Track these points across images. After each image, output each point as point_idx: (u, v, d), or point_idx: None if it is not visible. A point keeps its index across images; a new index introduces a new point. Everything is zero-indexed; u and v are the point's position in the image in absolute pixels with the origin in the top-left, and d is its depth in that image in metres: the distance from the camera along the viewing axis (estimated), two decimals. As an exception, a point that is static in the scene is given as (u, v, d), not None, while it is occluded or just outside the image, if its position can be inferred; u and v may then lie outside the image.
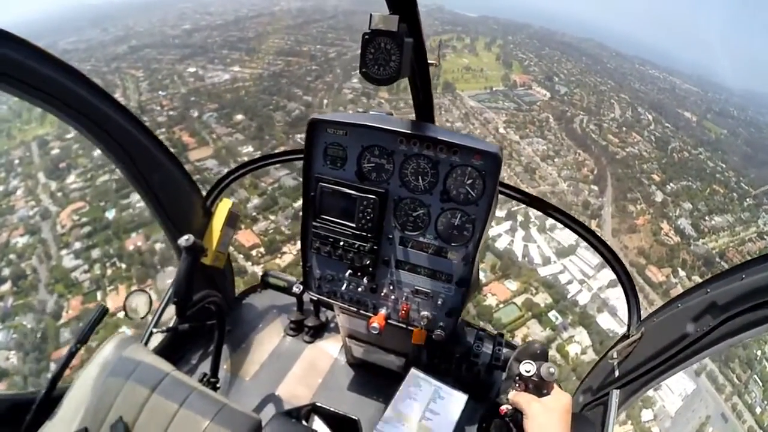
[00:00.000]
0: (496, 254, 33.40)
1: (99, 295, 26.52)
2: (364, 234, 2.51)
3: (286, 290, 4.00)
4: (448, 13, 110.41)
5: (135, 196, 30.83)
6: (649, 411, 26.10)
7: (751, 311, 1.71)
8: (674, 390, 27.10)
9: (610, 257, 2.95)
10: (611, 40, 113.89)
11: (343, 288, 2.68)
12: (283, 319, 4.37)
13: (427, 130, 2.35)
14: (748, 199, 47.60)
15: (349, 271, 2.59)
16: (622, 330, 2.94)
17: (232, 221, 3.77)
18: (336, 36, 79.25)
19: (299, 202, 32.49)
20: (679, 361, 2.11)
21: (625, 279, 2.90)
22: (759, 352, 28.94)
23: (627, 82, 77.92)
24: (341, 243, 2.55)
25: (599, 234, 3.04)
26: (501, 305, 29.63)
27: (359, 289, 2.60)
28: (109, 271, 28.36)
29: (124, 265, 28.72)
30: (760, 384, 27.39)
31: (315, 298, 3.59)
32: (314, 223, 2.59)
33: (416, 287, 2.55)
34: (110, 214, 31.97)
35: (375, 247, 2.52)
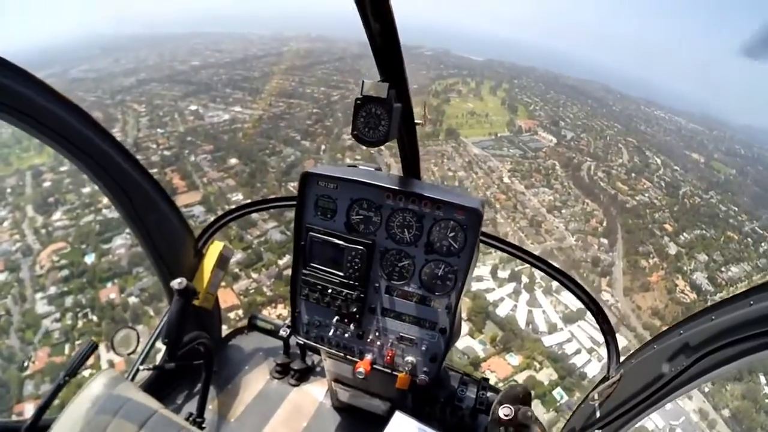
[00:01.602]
0: (497, 323, 31.46)
1: (67, 348, 25.53)
2: (352, 282, 2.64)
3: (273, 333, 4.04)
4: (454, 56, 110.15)
5: (116, 241, 31.18)
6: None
7: (721, 350, 1.78)
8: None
9: (586, 300, 3.15)
10: (615, 81, 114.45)
11: (331, 333, 2.74)
12: (270, 361, 4.38)
13: (412, 186, 2.55)
14: (763, 244, 46.53)
15: (337, 317, 2.69)
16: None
17: (223, 263, 3.87)
18: (341, 78, 78.64)
19: (285, 259, 32.47)
20: (656, 400, 2.15)
21: (602, 321, 3.07)
22: None
23: (633, 124, 77.31)
24: (329, 290, 2.67)
25: (574, 278, 3.23)
26: (500, 384, 27.53)
27: (346, 335, 2.73)
28: (80, 323, 27.29)
29: (95, 318, 27.68)
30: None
31: (302, 342, 3.47)
32: (304, 271, 2.71)
33: (401, 334, 2.66)
34: (89, 259, 31.08)
35: (362, 295, 2.65)
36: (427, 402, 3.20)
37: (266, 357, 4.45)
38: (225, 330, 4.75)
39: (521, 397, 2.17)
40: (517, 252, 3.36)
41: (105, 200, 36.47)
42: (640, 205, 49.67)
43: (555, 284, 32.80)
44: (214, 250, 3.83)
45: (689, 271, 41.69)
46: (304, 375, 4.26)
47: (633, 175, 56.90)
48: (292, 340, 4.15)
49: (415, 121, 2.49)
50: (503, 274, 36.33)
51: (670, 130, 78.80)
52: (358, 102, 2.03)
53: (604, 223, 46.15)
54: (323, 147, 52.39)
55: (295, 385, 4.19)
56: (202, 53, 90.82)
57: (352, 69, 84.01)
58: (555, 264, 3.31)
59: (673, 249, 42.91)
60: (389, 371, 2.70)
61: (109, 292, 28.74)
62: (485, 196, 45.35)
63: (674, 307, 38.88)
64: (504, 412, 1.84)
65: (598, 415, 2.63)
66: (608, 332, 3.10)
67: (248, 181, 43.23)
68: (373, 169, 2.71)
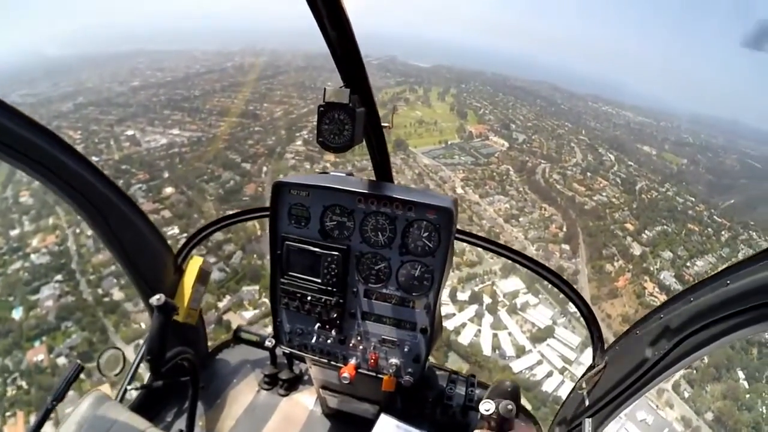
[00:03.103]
0: (462, 355, 29.26)
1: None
2: (330, 288, 2.67)
3: (259, 344, 4.17)
4: (401, 64, 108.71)
5: (44, 292, 28.92)
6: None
7: (701, 331, 1.84)
8: None
9: (567, 290, 3.17)
10: (562, 80, 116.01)
11: (313, 341, 2.77)
12: (257, 373, 4.37)
13: (384, 189, 2.57)
14: (723, 232, 46.91)
15: (318, 324, 2.73)
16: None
17: (203, 278, 3.90)
18: (284, 93, 75.56)
19: (224, 301, 30.44)
20: (642, 385, 2.19)
21: (585, 311, 3.09)
22: None
23: (583, 121, 77.99)
24: (309, 298, 2.69)
25: (551, 267, 3.24)
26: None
27: (329, 341, 2.75)
28: (9, 391, 24.62)
29: (24, 384, 24.95)
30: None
31: (287, 352, 3.57)
32: (282, 280, 2.74)
33: (383, 336, 2.69)
34: (17, 313, 28.42)
35: (341, 301, 2.68)
36: (416, 402, 3.20)
37: (254, 369, 4.39)
38: (211, 345, 4.63)
39: (509, 392, 2.29)
40: (492, 246, 3.36)
41: (34, 242, 32.52)
42: (599, 205, 49.26)
43: (520, 301, 30.97)
44: (193, 266, 3.79)
45: (656, 271, 41.29)
46: (292, 384, 4.22)
47: (588, 174, 56.85)
48: (279, 350, 4.18)
49: (383, 124, 2.55)
50: (463, 296, 34.65)
51: (619, 124, 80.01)
52: (321, 109, 2.05)
53: (564, 228, 45.19)
54: (264, 169, 49.80)
55: (284, 395, 4.16)
56: (143, 73, 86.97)
57: (297, 83, 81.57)
58: (531, 256, 3.31)
59: (637, 249, 42.32)
60: (374, 374, 2.71)
61: (38, 353, 26.39)
62: None
63: (645, 311, 37.04)
64: (485, 407, 1.94)
65: (587, 403, 2.71)
66: (591, 321, 3.06)
67: (185, 211, 40.35)
68: (344, 175, 2.79)
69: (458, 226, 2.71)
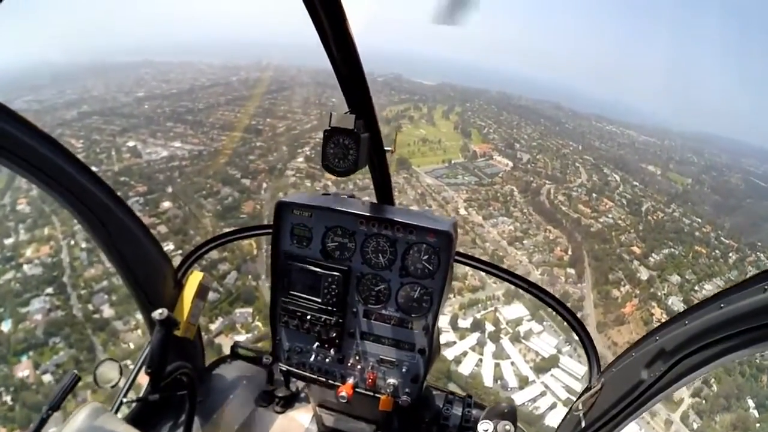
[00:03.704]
0: (461, 386, 28.22)
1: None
2: (330, 308, 2.69)
3: (256, 361, 4.12)
4: (406, 81, 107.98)
5: (34, 304, 28.45)
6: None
7: (696, 353, 1.86)
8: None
9: (565, 313, 3.20)
10: (566, 99, 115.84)
11: (312, 359, 2.80)
12: (254, 389, 4.35)
13: (385, 211, 2.62)
14: (731, 254, 46.27)
15: (317, 343, 2.75)
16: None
17: (203, 293, 3.92)
18: (288, 108, 75.29)
19: (217, 323, 29.98)
20: (637, 407, 2.20)
21: (582, 333, 3.15)
22: None
23: (587, 141, 77.58)
24: (308, 317, 2.72)
25: (548, 290, 3.31)
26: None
27: (327, 360, 2.78)
28: None
29: (9, 400, 24.30)
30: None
31: (285, 369, 3.20)
32: (283, 299, 2.78)
33: (381, 356, 2.72)
34: (6, 325, 27.91)
35: (340, 320, 2.71)
36: (412, 422, 3.23)
37: (250, 385, 4.37)
38: (209, 360, 4.65)
39: (506, 413, 2.29)
40: (491, 269, 3.44)
41: (28, 253, 31.70)
42: (605, 227, 48.68)
43: (523, 329, 30.02)
44: (193, 280, 3.83)
45: (663, 296, 40.50)
46: (289, 402, 4.18)
47: (594, 195, 56.28)
48: (276, 368, 3.77)
49: (385, 148, 2.62)
50: (464, 323, 33.87)
51: (623, 144, 79.52)
52: (326, 134, 2.11)
53: (570, 251, 44.59)
54: (264, 185, 49.42)
55: (280, 413, 4.13)
56: (148, 83, 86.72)
57: (301, 98, 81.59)
58: (531, 280, 3.40)
59: (644, 273, 41.52)
60: (372, 394, 2.75)
61: (24, 368, 25.74)
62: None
63: None
64: (483, 427, 1.95)
65: (583, 425, 2.70)
66: (588, 343, 3.12)
67: (181, 227, 39.82)
68: (346, 197, 2.84)
69: (461, 249, 2.83)
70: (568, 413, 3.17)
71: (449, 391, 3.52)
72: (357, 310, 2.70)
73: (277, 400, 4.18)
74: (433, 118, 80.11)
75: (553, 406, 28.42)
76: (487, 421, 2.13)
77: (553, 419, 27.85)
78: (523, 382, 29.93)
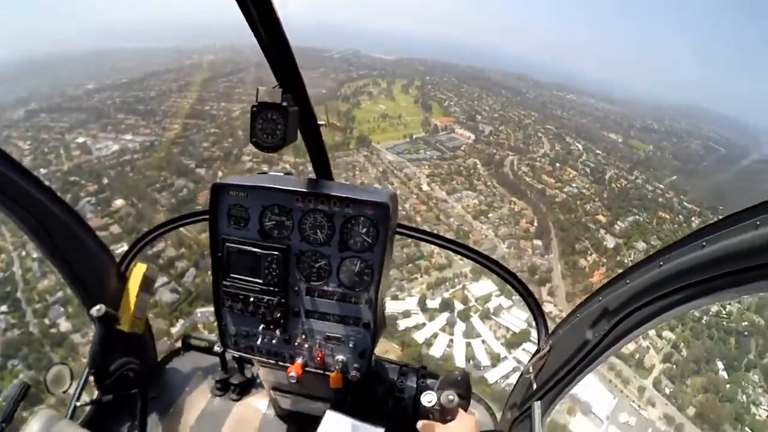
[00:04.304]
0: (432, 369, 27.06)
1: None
2: (272, 288, 2.63)
3: (208, 350, 4.00)
4: (365, 57, 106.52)
5: None
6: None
7: (637, 311, 1.89)
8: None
9: (511, 279, 3.17)
10: (533, 71, 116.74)
11: (259, 342, 2.73)
12: (209, 379, 4.25)
13: (321, 186, 2.56)
14: (693, 218, 46.93)
15: (262, 325, 2.68)
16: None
17: (148, 286, 3.75)
18: (243, 91, 72.15)
19: (177, 327, 28.96)
20: (584, 366, 2.25)
21: (528, 297, 3.12)
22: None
23: (549, 110, 78.03)
24: (251, 299, 2.65)
25: (494, 258, 3.24)
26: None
27: (274, 342, 2.71)
28: None
29: None
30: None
31: (236, 356, 3.19)
32: (224, 282, 2.69)
33: (327, 334, 2.68)
34: None
35: (283, 300, 2.64)
36: (366, 397, 3.08)
37: (205, 375, 4.26)
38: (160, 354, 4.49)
39: (459, 381, 2.28)
40: (431, 238, 3.38)
41: None
42: (570, 197, 48.85)
43: (492, 306, 28.95)
44: (137, 273, 3.62)
45: (630, 262, 38.92)
46: (245, 388, 4.09)
47: (557, 165, 56.43)
48: (228, 355, 4.01)
49: (319, 122, 2.57)
50: (433, 303, 33.26)
51: (584, 113, 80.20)
52: (254, 109, 2.08)
53: (535, 223, 44.52)
54: (220, 173, 47.53)
55: (236, 400, 4.03)
56: (98, 74, 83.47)
57: (256, 79, 78.28)
58: (467, 244, 3.42)
59: (610, 241, 41.91)
60: (322, 372, 2.70)
61: None
62: (404, 209, 42.06)
63: None
64: (426, 398, 1.97)
65: (534, 387, 2.74)
66: (535, 307, 3.11)
67: (134, 225, 38.00)
68: (282, 174, 2.76)
69: (426, 227, 3.46)
70: (520, 377, 3.23)
71: (403, 363, 3.35)
72: (299, 289, 2.61)
73: (233, 387, 4.07)
74: (393, 93, 78.88)
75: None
76: (431, 392, 2.05)
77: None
78: (496, 360, 29.74)
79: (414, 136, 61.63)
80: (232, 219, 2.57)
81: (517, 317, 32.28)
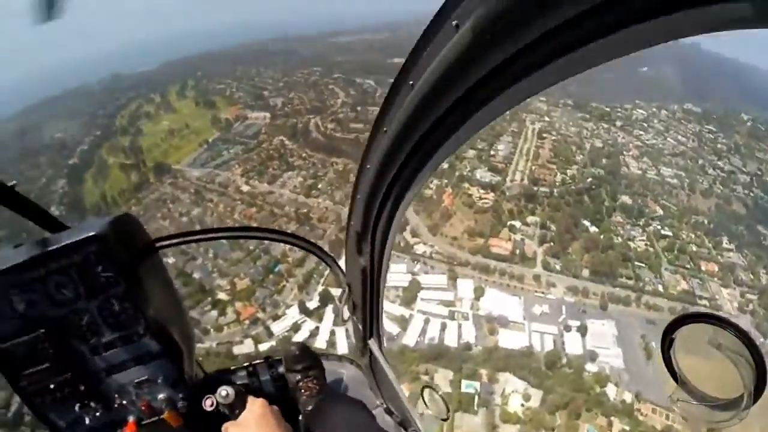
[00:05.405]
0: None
1: None
2: (59, 366, 2.45)
3: None
4: (127, 77, 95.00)
5: None
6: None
7: (388, 200, 1.75)
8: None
9: (293, 240, 2.79)
10: (291, 28, 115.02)
11: (87, 422, 2.56)
12: None
13: (46, 245, 2.32)
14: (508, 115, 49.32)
15: (78, 404, 2.52)
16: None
17: None
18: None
19: None
20: (375, 287, 2.28)
21: (316, 250, 2.79)
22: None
23: (330, 59, 77.81)
24: (51, 387, 2.46)
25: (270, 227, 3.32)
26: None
27: (98, 414, 2.57)
28: None
29: None
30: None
31: None
32: (20, 384, 2.47)
33: (135, 380, 2.56)
34: None
35: (77, 371, 2.50)
36: (219, 417, 2.62)
37: None
38: None
39: (300, 354, 2.33)
40: (201, 236, 2.78)
41: None
42: None
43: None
44: None
45: (470, 173, 42.62)
46: None
47: (359, 108, 56.29)
48: None
49: (9, 184, 2.30)
50: (313, 303, 32.01)
51: (363, 50, 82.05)
52: None
53: None
54: None
55: None
56: None
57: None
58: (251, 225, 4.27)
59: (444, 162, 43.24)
60: (157, 418, 2.57)
61: None
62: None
63: (483, 216, 40.31)
64: (209, 403, 1.97)
65: (360, 326, 2.78)
66: (326, 257, 2.72)
67: None
68: (12, 249, 2.39)
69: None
70: (346, 325, 3.18)
71: (249, 364, 2.96)
72: (84, 352, 2.40)
73: None
74: (171, 103, 72.92)
75: (444, 327, 29.03)
76: (210, 396, 2.05)
77: (451, 338, 29.08)
78: (404, 322, 29.29)
79: (210, 140, 58.31)
80: None
81: (399, 272, 32.71)
